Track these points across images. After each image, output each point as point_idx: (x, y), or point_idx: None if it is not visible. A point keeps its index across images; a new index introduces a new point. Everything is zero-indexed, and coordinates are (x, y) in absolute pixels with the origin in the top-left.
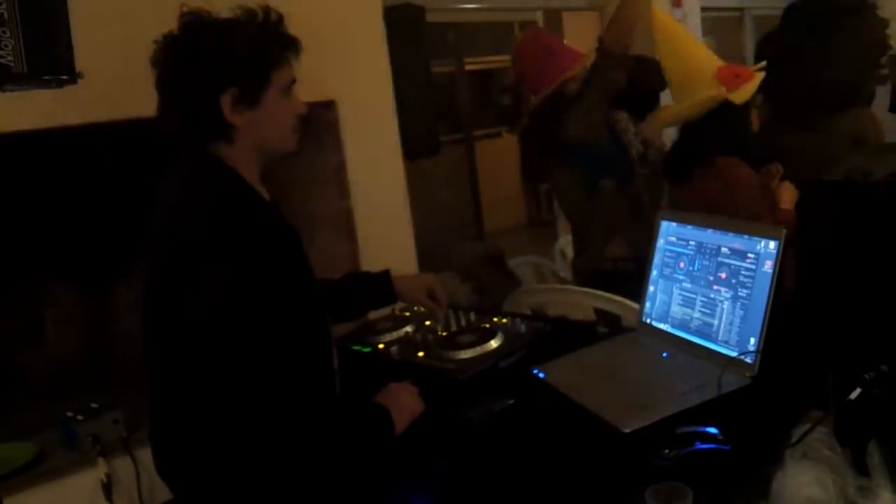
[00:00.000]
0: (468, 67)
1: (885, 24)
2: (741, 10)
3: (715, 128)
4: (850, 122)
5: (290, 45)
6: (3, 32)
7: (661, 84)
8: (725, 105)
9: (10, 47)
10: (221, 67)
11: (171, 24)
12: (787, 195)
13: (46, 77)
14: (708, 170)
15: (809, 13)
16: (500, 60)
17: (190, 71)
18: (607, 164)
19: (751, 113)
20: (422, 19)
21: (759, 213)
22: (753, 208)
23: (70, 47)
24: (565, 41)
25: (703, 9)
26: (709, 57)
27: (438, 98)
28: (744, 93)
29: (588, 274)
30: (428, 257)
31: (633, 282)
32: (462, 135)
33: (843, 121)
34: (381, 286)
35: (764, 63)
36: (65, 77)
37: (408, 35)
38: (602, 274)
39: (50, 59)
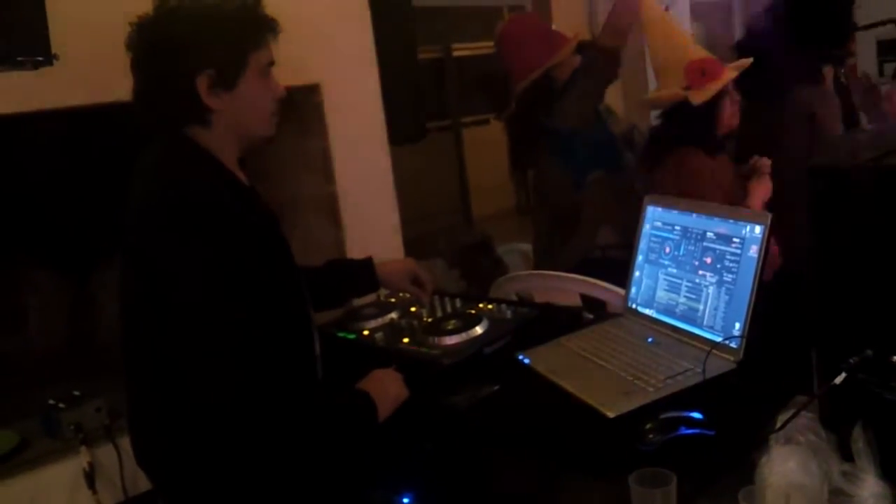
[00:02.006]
0: (456, 53)
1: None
2: None
3: (677, 120)
4: (801, 100)
5: (267, 26)
6: None
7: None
8: (685, 101)
9: None
10: (197, 49)
11: (149, 5)
12: (758, 193)
13: (21, 58)
14: (666, 160)
15: None
16: (488, 46)
17: (165, 53)
18: (596, 154)
19: (723, 109)
20: (408, 3)
21: None
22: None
23: (45, 28)
24: (554, 25)
25: None
26: (685, 49)
27: (425, 84)
28: (704, 93)
29: (577, 262)
30: (415, 244)
31: (622, 269)
32: (450, 121)
33: (794, 99)
34: (364, 273)
35: (746, 61)
36: (40, 58)
37: (394, 19)
38: (591, 262)
39: (24, 40)
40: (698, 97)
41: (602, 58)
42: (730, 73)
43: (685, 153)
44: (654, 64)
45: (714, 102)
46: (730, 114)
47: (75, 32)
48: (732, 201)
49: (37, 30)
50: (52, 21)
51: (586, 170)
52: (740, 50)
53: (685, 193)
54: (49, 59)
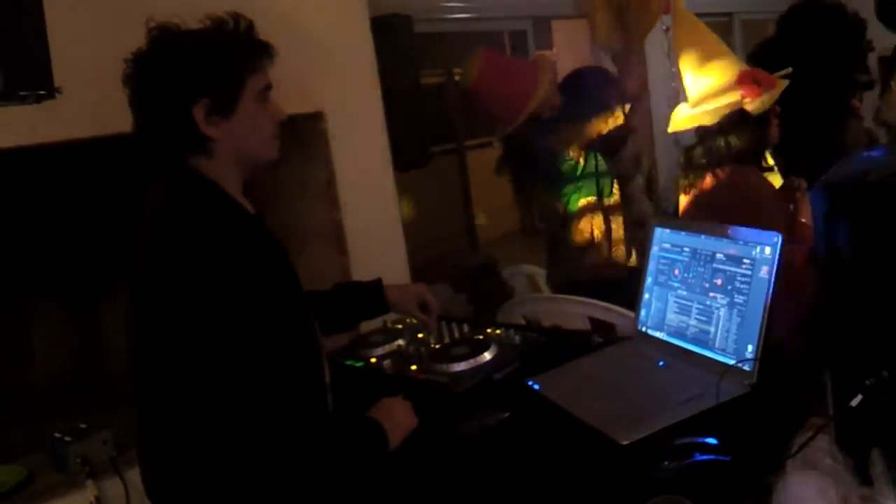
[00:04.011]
0: (458, 77)
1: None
2: (730, 14)
3: (729, 135)
4: (843, 133)
5: (261, 51)
6: None
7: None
8: (742, 112)
9: None
10: (190, 79)
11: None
12: (806, 208)
13: (23, 93)
14: (720, 179)
15: (800, 21)
16: None
17: (159, 85)
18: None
19: (770, 122)
20: (410, 29)
21: (776, 226)
22: (769, 220)
23: (47, 62)
24: (554, 49)
25: None
26: (731, 60)
27: (429, 108)
28: (762, 102)
29: (566, 284)
30: (421, 268)
31: (612, 289)
32: (453, 144)
33: (834, 132)
34: (373, 295)
35: (789, 70)
36: (42, 92)
37: (396, 45)
38: (581, 282)
39: (27, 75)
40: (756, 106)
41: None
42: (782, 82)
43: (742, 171)
44: (694, 78)
45: (764, 116)
46: (775, 128)
47: (79, 66)
48: (788, 221)
49: (39, 64)
50: (55, 54)
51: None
52: None
53: (748, 214)
54: (52, 92)
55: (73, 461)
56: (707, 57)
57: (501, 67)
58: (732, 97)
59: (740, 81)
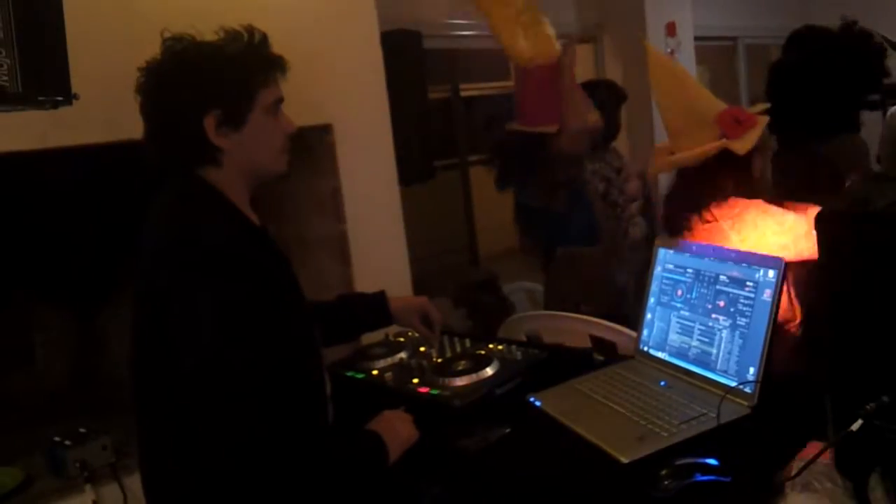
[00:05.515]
0: (463, 93)
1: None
2: (734, 39)
3: (713, 175)
4: (845, 147)
5: (274, 64)
6: None
7: (615, 102)
8: (725, 152)
9: (4, 67)
10: (202, 89)
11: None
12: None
13: (41, 98)
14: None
15: (810, 41)
16: (494, 87)
17: (171, 95)
18: (565, 229)
19: (755, 159)
20: (419, 45)
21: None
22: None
23: (66, 68)
24: None
25: (697, 38)
26: (709, 100)
27: (434, 123)
28: (746, 141)
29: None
30: (422, 282)
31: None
32: (457, 160)
33: (839, 145)
34: (377, 306)
35: (766, 106)
36: (60, 98)
37: (405, 60)
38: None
39: (45, 80)
40: (741, 146)
41: (563, 161)
42: (763, 118)
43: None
44: (670, 120)
45: (748, 155)
46: (760, 168)
47: (89, 71)
48: None
49: (57, 70)
50: (72, 60)
51: (553, 245)
52: (771, 97)
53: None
54: (69, 99)
55: (71, 466)
56: (684, 98)
57: (552, 79)
58: (714, 141)
59: (721, 122)
